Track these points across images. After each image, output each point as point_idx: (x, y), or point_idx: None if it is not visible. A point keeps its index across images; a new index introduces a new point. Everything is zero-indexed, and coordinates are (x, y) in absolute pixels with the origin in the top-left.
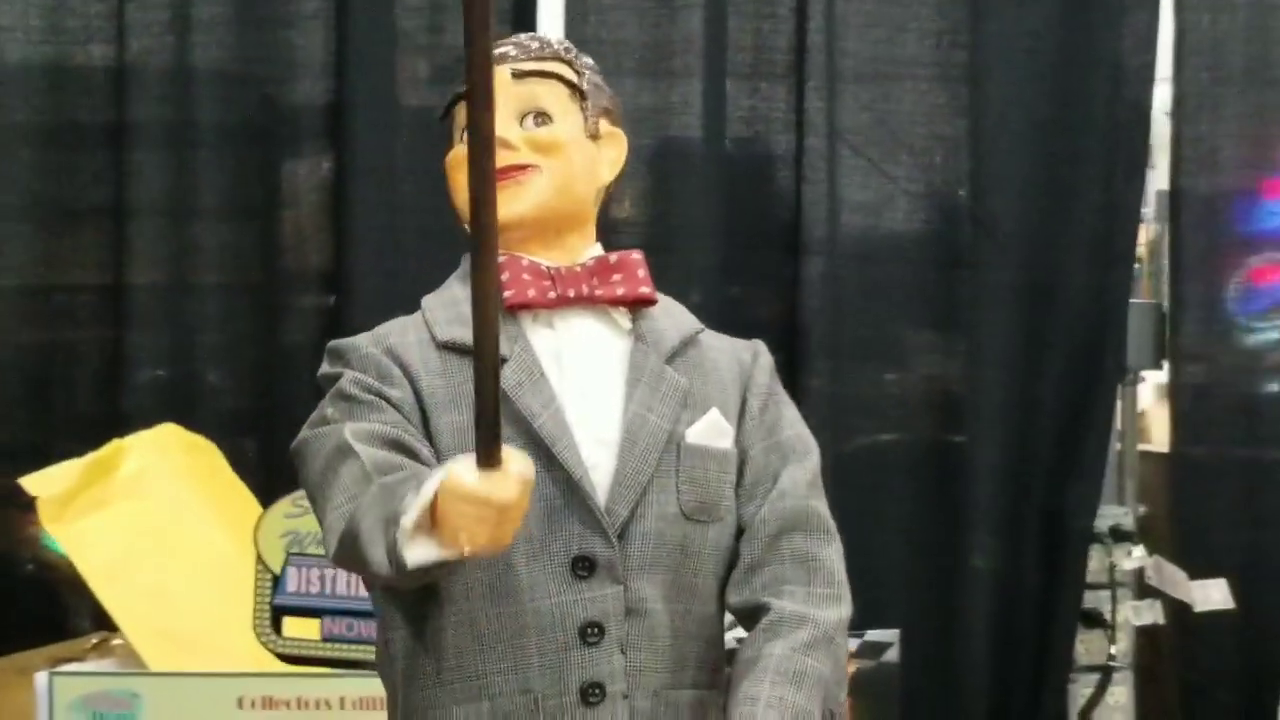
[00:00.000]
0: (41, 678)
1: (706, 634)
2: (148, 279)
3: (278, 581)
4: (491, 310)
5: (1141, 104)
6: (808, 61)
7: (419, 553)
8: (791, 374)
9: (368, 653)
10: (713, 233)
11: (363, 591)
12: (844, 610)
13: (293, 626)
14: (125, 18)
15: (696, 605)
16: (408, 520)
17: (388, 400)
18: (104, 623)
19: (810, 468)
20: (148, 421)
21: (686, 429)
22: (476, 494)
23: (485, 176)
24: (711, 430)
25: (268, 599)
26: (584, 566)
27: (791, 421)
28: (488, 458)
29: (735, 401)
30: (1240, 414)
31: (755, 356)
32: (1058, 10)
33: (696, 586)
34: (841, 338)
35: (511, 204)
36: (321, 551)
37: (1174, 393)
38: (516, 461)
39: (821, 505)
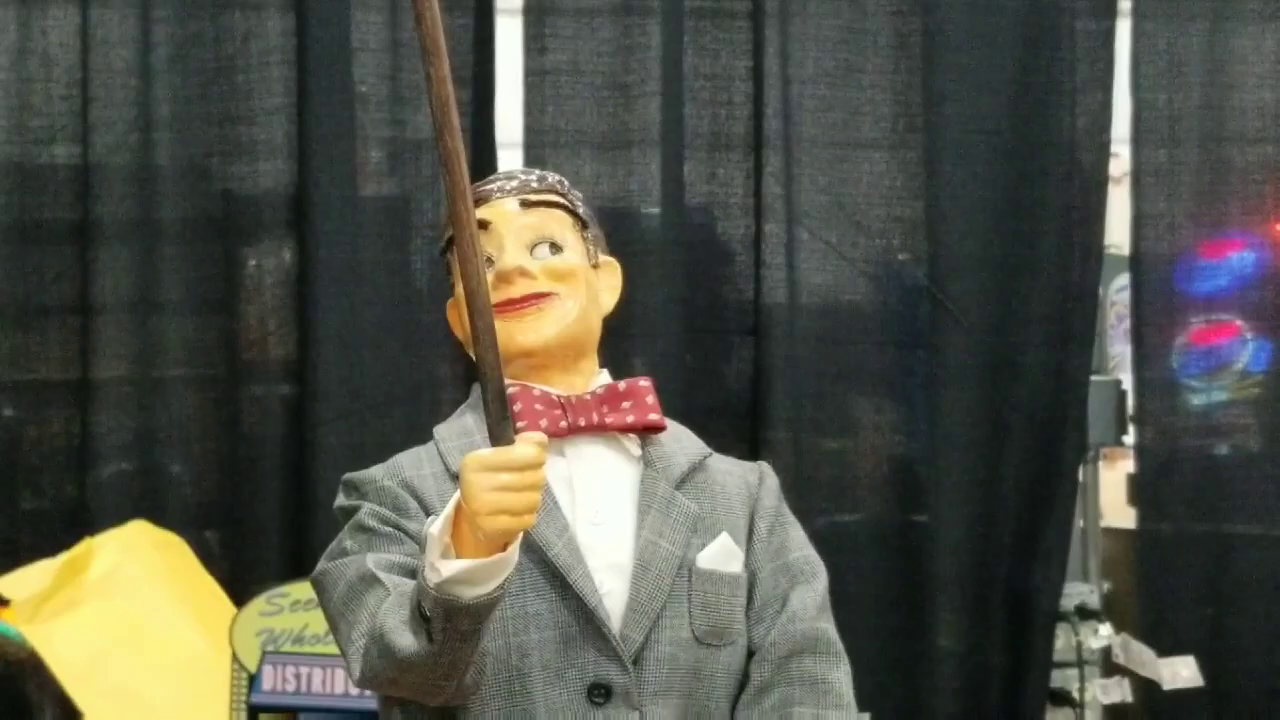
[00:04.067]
0: None
1: (727, 686)
2: (112, 373)
3: (253, 680)
4: (483, 291)
5: (1097, 183)
6: (765, 145)
7: (450, 567)
8: (752, 454)
9: None
10: (672, 315)
11: (339, 689)
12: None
13: None
14: (89, 117)
15: (714, 655)
16: (435, 527)
17: (405, 533)
18: None
19: (819, 590)
20: (113, 514)
21: (698, 554)
22: (495, 456)
23: (463, 212)
24: (722, 555)
25: (244, 698)
26: (600, 693)
27: (799, 543)
28: (501, 436)
29: (744, 524)
30: (1200, 484)
31: (762, 478)
32: (1013, 91)
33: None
34: (802, 418)
35: (537, 330)
36: (297, 649)
37: (1137, 466)
38: (530, 434)
39: (830, 628)
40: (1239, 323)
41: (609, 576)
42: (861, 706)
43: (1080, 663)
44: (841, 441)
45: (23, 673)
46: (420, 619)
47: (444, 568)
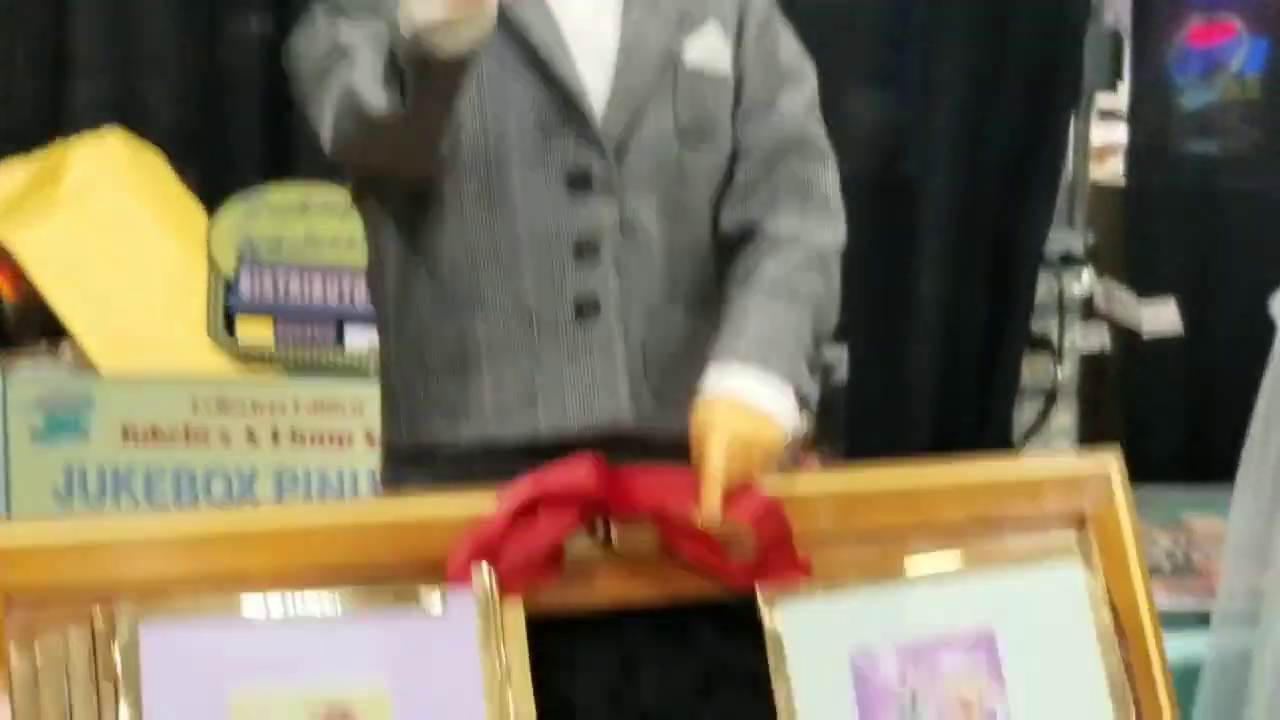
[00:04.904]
0: None
1: (699, 258)
2: None
3: (230, 285)
4: None
5: None
6: None
7: (425, 11)
8: None
9: (322, 355)
10: None
11: (317, 296)
12: (838, 233)
13: (246, 328)
14: None
15: (689, 228)
16: None
17: (379, 12)
18: (51, 331)
19: (808, 92)
20: (89, 124)
21: (685, 50)
22: None
23: None
24: (710, 53)
25: (221, 302)
26: (580, 182)
27: (789, 46)
28: None
29: (733, 24)
30: (1194, 142)
31: None
32: None
33: (690, 208)
34: None
35: None
36: (274, 257)
37: (1131, 119)
38: None
39: (818, 129)
40: (1237, 22)
41: (593, 66)
42: (840, 341)
43: (1061, 309)
44: (831, 90)
45: None
46: (394, 73)
47: (419, 11)
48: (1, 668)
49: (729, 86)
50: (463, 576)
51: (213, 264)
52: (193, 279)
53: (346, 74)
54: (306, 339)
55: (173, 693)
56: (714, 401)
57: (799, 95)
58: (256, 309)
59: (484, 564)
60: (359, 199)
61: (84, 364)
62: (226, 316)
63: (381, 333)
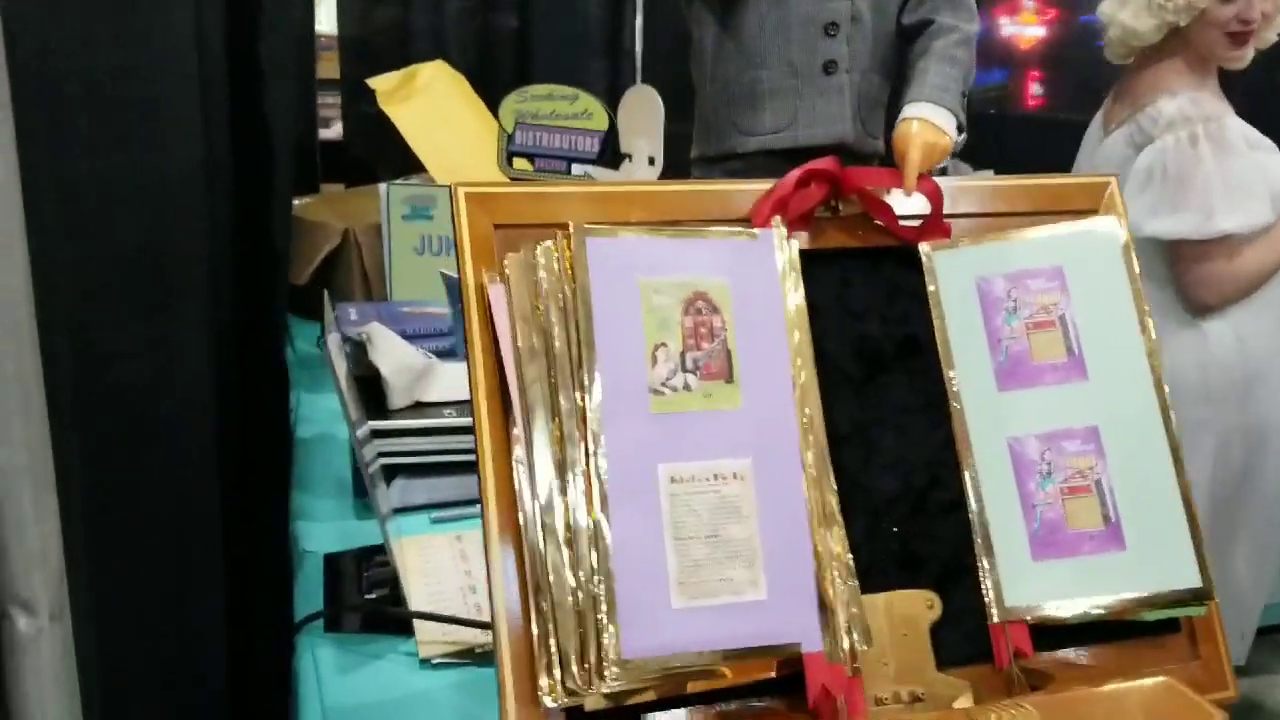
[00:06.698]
0: (383, 187)
1: (890, 41)
2: None
3: (510, 138)
4: None
5: None
6: None
7: None
8: None
9: (558, 179)
10: None
11: (556, 145)
12: (976, 25)
13: (518, 163)
14: None
15: (886, 20)
16: None
17: None
18: (414, 168)
19: None
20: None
21: None
22: None
23: None
24: None
25: (505, 146)
26: None
27: None
28: None
29: None
30: None
31: None
32: None
33: (887, 8)
34: None
35: None
36: (536, 121)
37: None
38: None
39: None
40: None
41: None
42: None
43: None
44: None
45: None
46: None
47: None
48: (498, 266)
49: None
50: (765, 222)
51: (500, 126)
52: (489, 139)
53: None
54: (549, 169)
55: (604, 279)
56: (911, 120)
57: None
58: (524, 152)
59: (777, 215)
60: (689, 2)
61: (432, 182)
62: (508, 156)
63: (699, 88)
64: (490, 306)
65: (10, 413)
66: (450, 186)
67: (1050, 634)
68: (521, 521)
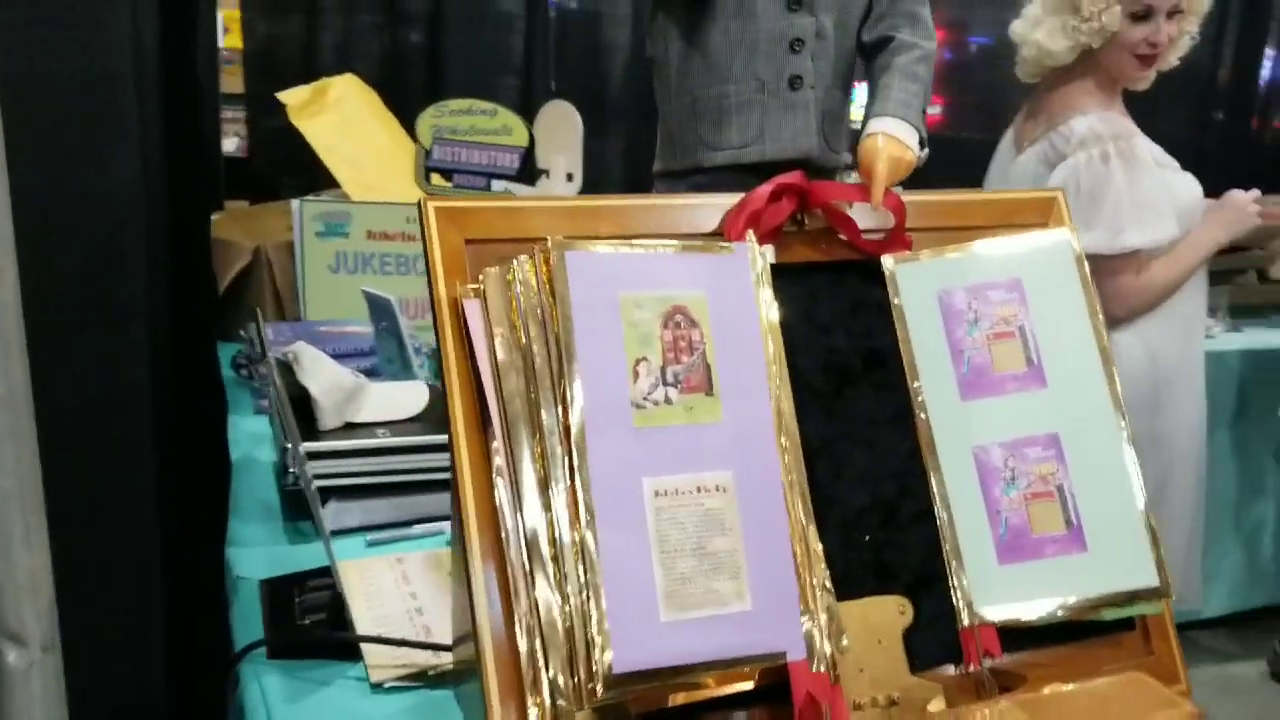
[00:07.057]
0: (295, 203)
1: (851, 58)
2: None
3: (428, 153)
4: None
5: None
6: None
7: None
8: None
9: (476, 194)
10: None
11: (474, 160)
12: (934, 44)
13: (435, 179)
14: None
15: (848, 37)
16: None
17: None
18: (322, 184)
19: None
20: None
21: None
22: None
23: None
24: None
25: (423, 162)
26: (794, 3)
27: None
28: None
29: None
30: None
31: None
32: None
33: (849, 25)
34: None
35: None
36: (454, 136)
37: None
38: None
39: None
40: None
41: None
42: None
43: None
44: None
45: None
46: None
47: None
48: (473, 281)
49: None
50: (740, 236)
51: (417, 141)
52: (403, 155)
53: None
54: (468, 185)
55: (584, 293)
56: (877, 135)
57: None
58: (442, 168)
59: (750, 229)
60: (654, 17)
61: (345, 198)
62: (425, 172)
63: (662, 103)
64: (465, 321)
65: (1, 437)
66: (420, 201)
67: (1013, 636)
68: (503, 538)
